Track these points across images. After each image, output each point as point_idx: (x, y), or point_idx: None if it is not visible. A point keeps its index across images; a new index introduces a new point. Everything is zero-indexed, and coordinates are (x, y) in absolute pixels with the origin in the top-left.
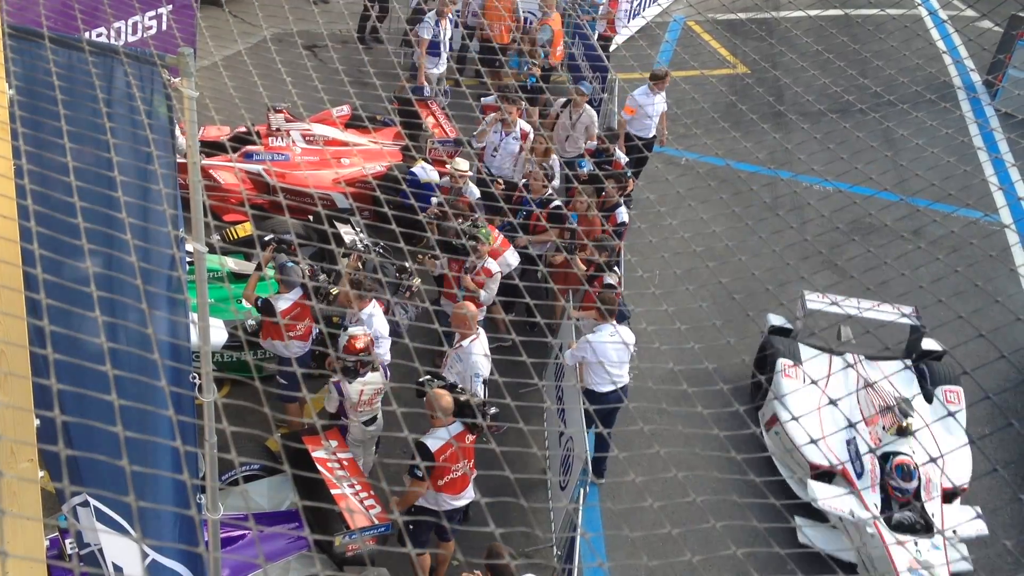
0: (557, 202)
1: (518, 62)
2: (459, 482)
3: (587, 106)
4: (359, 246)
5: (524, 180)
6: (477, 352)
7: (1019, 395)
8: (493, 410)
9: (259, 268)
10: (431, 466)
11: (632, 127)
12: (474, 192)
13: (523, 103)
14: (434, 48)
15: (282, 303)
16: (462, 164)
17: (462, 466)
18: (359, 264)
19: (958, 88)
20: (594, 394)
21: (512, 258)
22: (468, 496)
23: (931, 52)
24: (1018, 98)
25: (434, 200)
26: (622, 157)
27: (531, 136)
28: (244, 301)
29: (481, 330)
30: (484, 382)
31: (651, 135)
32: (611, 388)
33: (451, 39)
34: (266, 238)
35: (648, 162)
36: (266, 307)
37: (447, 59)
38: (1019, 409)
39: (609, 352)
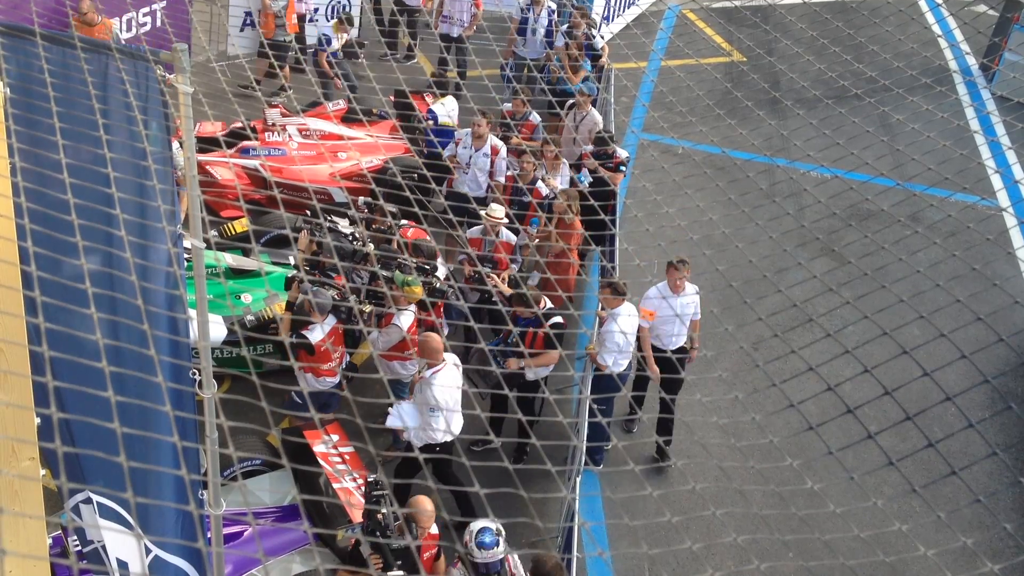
0: (557, 319)
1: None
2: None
3: (592, 108)
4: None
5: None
6: (438, 384)
7: (1018, 378)
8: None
9: (289, 307)
10: None
11: (654, 336)
12: (510, 237)
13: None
14: (522, 31)
15: (317, 333)
16: (498, 210)
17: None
18: (315, 245)
19: (954, 72)
20: (610, 376)
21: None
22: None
23: (927, 37)
24: (1014, 81)
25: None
26: (621, 153)
27: (503, 152)
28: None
29: (450, 361)
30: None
31: (678, 344)
32: (625, 365)
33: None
34: (289, 275)
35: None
36: (302, 341)
37: (543, 46)
38: (1018, 392)
39: (629, 327)
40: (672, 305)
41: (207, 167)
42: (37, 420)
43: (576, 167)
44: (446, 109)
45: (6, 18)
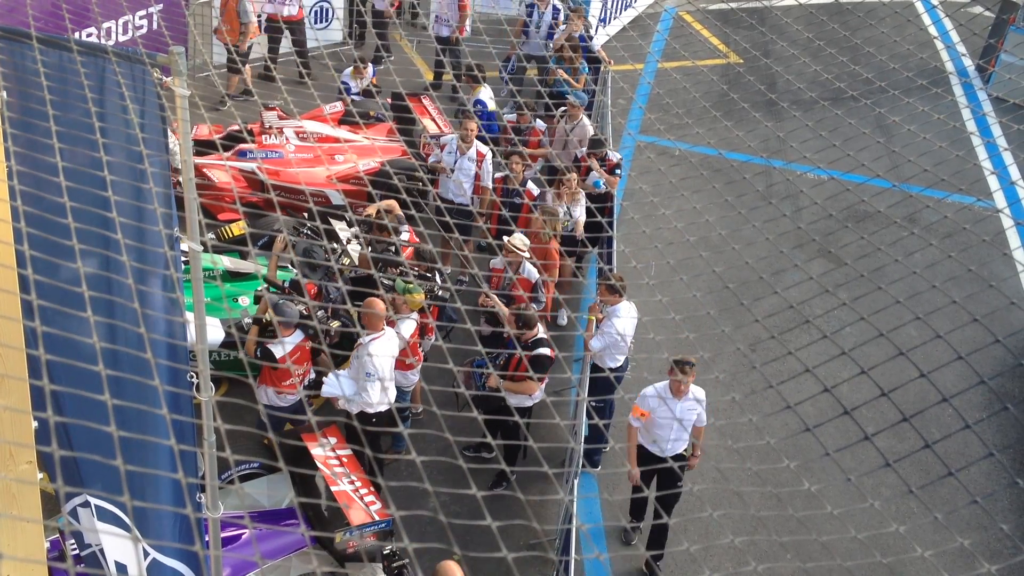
0: (543, 350)
1: (557, 59)
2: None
3: (583, 117)
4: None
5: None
6: (375, 352)
7: (1014, 379)
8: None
9: (256, 322)
10: None
11: (643, 437)
12: (532, 274)
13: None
14: (525, 30)
15: (281, 349)
16: (519, 241)
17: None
18: (288, 248)
19: (951, 74)
20: (606, 377)
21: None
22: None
23: (923, 38)
24: (1010, 82)
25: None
26: (614, 156)
27: (488, 157)
28: (246, 351)
29: (390, 331)
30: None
31: (676, 451)
32: (621, 361)
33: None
34: (259, 288)
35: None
36: (266, 355)
37: (544, 43)
38: (1015, 393)
39: (628, 327)
40: (672, 409)
41: (204, 170)
42: (34, 424)
43: (576, 169)
44: (489, 94)
45: (2, 22)
